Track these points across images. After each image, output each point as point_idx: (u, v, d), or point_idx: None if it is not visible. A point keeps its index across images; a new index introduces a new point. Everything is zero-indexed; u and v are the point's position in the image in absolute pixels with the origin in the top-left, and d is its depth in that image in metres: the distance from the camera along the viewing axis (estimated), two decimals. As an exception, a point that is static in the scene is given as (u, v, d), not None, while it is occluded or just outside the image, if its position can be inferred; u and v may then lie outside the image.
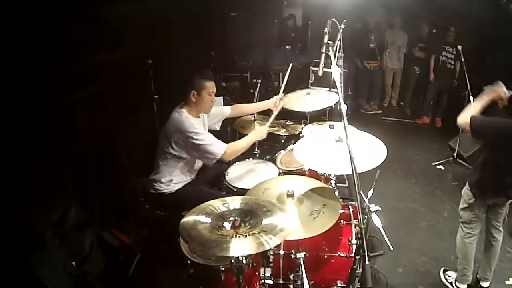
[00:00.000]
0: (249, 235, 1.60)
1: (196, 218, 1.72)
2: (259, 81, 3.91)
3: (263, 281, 2.15)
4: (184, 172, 2.77)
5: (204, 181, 2.95)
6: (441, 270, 3.09)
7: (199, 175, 2.93)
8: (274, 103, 3.21)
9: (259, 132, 2.89)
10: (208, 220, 1.72)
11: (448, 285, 2.98)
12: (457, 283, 2.93)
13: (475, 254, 2.86)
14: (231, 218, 1.72)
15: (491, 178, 2.57)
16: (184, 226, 1.67)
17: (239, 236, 1.59)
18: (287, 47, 6.76)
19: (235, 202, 1.85)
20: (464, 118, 2.38)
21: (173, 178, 2.72)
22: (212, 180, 2.99)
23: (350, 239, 2.35)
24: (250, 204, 1.85)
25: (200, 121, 2.85)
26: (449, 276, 3.03)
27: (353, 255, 2.26)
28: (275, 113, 3.12)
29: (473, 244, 2.80)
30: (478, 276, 2.94)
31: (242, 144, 2.75)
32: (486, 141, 2.59)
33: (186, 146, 2.62)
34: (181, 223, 1.69)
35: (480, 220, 2.75)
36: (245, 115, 3.44)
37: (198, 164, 2.86)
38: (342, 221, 2.49)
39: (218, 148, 2.61)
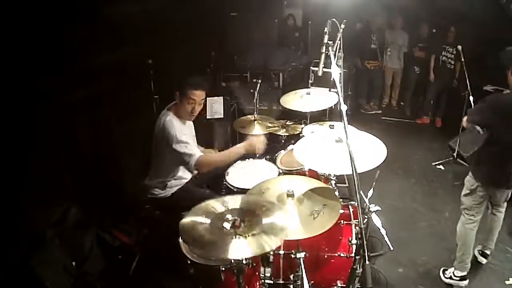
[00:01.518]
0: (249, 235, 1.60)
1: (196, 219, 1.72)
2: (259, 81, 3.91)
3: (263, 281, 2.15)
4: (176, 175, 2.76)
5: (203, 182, 2.95)
6: (441, 270, 3.10)
7: (198, 175, 2.92)
8: (249, 144, 2.79)
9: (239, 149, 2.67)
10: (208, 220, 1.71)
11: (448, 280, 3.00)
12: (455, 271, 2.95)
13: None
14: (231, 218, 1.71)
15: (493, 169, 2.68)
16: (184, 226, 1.67)
17: (239, 237, 1.59)
18: (291, 47, 6.77)
19: (235, 202, 1.85)
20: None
21: (168, 183, 2.72)
22: (212, 180, 2.99)
23: (350, 239, 2.35)
24: (250, 203, 1.84)
25: (188, 127, 2.83)
26: (448, 272, 3.05)
27: (353, 255, 2.26)
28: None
29: (474, 230, 2.87)
30: (480, 248, 3.13)
31: (218, 157, 2.66)
32: (492, 123, 2.63)
33: (166, 148, 2.58)
34: (180, 224, 1.69)
35: (481, 206, 2.83)
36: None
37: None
38: (342, 221, 2.49)
39: (193, 157, 2.52)
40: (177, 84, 2.69)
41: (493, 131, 2.64)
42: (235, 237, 1.59)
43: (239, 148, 2.69)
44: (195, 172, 2.63)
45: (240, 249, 1.54)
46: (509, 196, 2.89)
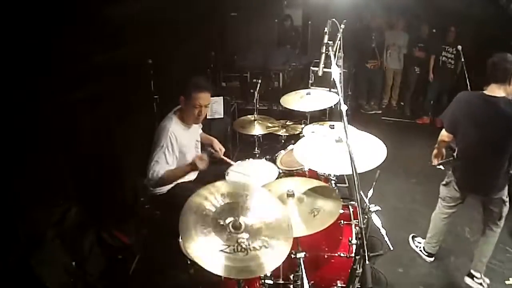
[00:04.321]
0: (250, 250, 1.54)
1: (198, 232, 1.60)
2: (259, 81, 3.92)
3: (263, 281, 2.15)
4: None
5: (203, 182, 2.94)
6: (410, 236, 3.42)
7: (198, 175, 2.92)
8: (217, 146, 3.12)
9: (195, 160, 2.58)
10: (210, 229, 1.61)
11: (417, 250, 3.29)
12: (425, 247, 3.23)
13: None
14: (230, 220, 1.67)
15: (465, 169, 2.77)
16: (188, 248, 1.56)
17: (242, 250, 1.53)
18: (287, 46, 6.77)
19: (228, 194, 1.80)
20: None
21: None
22: (211, 180, 2.98)
23: (350, 239, 2.35)
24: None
25: (192, 132, 2.84)
26: (419, 243, 3.32)
27: (353, 255, 2.26)
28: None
29: (444, 221, 3.04)
30: (471, 271, 2.97)
31: (178, 173, 2.62)
32: (460, 125, 2.67)
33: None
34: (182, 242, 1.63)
35: (454, 200, 2.90)
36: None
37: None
38: (342, 221, 2.49)
39: (158, 168, 2.51)
40: (180, 88, 2.69)
41: (461, 131, 2.68)
42: (238, 251, 1.53)
43: (183, 167, 2.64)
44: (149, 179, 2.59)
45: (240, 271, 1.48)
46: (503, 215, 2.77)
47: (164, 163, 2.56)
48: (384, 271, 2.98)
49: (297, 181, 2.31)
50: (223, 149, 3.12)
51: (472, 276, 2.92)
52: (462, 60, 4.60)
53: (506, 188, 2.70)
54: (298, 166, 2.88)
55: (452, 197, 2.91)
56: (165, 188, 2.72)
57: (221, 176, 2.89)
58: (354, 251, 2.27)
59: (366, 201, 1.72)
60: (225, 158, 3.07)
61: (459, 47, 4.71)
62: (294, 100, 3.39)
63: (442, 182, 3.01)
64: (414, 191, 4.36)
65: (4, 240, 2.37)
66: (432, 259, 3.20)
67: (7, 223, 2.38)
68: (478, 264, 2.90)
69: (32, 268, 2.39)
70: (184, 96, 2.63)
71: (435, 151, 2.97)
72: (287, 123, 3.66)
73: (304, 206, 2.01)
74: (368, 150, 2.03)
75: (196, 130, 2.96)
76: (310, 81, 5.43)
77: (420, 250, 3.26)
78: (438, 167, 4.85)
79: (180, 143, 2.67)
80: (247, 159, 3.15)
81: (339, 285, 2.33)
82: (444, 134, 2.80)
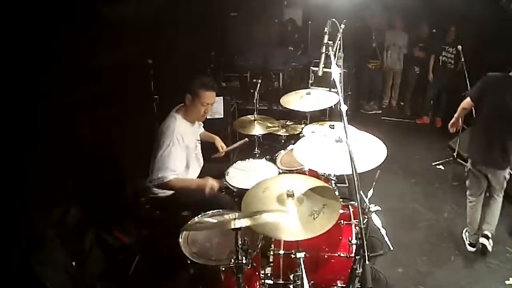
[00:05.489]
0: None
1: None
2: (259, 81, 3.91)
3: (263, 281, 2.15)
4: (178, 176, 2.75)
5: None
6: (464, 230, 3.46)
7: (199, 175, 2.92)
8: (219, 144, 3.16)
9: (208, 180, 2.60)
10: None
11: (466, 241, 3.38)
12: (469, 237, 3.35)
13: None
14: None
15: (479, 143, 3.04)
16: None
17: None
18: (289, 47, 6.77)
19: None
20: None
21: None
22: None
23: (350, 239, 2.35)
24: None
25: (195, 130, 2.86)
26: (467, 233, 3.41)
27: (353, 255, 2.26)
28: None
29: (474, 209, 3.23)
30: (485, 232, 3.19)
31: (188, 183, 2.66)
32: (485, 98, 2.97)
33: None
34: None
35: (477, 186, 3.17)
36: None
37: (190, 168, 2.85)
38: (342, 221, 2.49)
39: (167, 171, 2.51)
40: (180, 88, 2.70)
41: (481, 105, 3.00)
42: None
43: (194, 181, 2.69)
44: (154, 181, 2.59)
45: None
46: (504, 184, 3.09)
47: (172, 164, 2.55)
48: (384, 271, 2.98)
49: (297, 179, 2.28)
50: (225, 147, 3.13)
51: (486, 237, 3.16)
52: (462, 60, 4.61)
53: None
54: (298, 166, 2.88)
55: (473, 184, 3.18)
56: (168, 192, 2.72)
57: (221, 176, 2.90)
58: (354, 251, 2.27)
59: (366, 201, 1.72)
60: (229, 148, 3.11)
61: (459, 47, 4.72)
62: (294, 100, 3.38)
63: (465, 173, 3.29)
64: (414, 191, 4.36)
65: (4, 240, 2.37)
66: (473, 249, 3.29)
67: (7, 223, 2.38)
68: (488, 226, 3.17)
69: (32, 268, 2.38)
70: (191, 94, 2.64)
71: (453, 120, 3.34)
72: (287, 123, 3.66)
73: (304, 207, 2.00)
74: (368, 150, 2.02)
75: (197, 129, 2.97)
76: (310, 81, 5.43)
77: (466, 239, 3.39)
78: (438, 167, 4.90)
79: (185, 141, 2.68)
80: (247, 159, 3.15)
81: (339, 285, 2.33)
82: (465, 102, 3.12)
